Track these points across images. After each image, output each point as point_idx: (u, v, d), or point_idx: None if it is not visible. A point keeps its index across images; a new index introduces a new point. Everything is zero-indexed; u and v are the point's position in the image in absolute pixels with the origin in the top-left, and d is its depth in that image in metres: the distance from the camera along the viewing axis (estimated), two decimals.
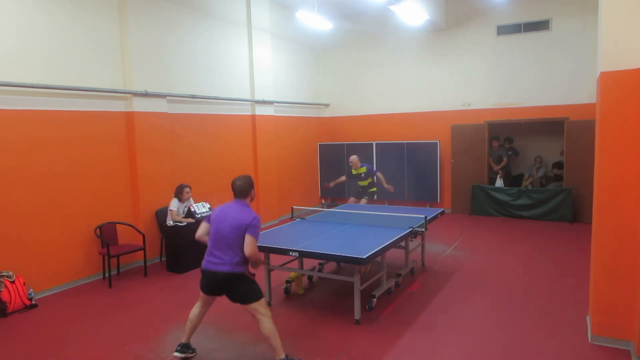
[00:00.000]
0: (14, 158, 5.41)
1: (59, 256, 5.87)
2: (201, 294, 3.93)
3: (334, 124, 11.77)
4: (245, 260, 3.73)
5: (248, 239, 3.65)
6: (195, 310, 4.00)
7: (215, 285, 3.80)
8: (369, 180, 8.33)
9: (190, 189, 6.86)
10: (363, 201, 8.39)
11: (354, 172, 8.41)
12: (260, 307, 3.75)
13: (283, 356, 3.71)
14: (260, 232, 5.57)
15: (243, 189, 3.89)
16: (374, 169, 8.70)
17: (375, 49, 10.99)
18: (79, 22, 6.07)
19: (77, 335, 4.58)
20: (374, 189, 8.37)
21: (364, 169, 8.32)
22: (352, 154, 10.66)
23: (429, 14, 8.79)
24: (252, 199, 3.99)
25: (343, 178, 8.58)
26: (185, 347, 4.02)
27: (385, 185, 8.23)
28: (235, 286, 3.75)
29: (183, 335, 4.03)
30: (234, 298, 3.81)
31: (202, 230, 3.93)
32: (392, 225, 5.56)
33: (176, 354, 3.98)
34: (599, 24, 4.10)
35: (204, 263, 3.82)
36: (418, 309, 4.91)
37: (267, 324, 3.73)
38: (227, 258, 3.69)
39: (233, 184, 3.92)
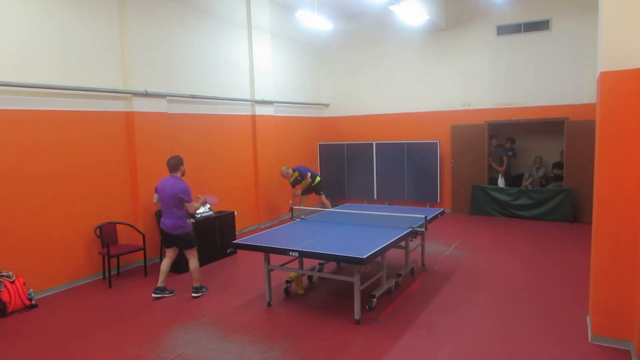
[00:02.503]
0: (14, 158, 5.41)
1: (59, 256, 5.87)
2: (165, 248, 5.60)
3: (334, 124, 11.77)
4: (184, 222, 5.37)
5: (187, 205, 5.30)
6: (164, 261, 5.54)
7: (168, 239, 5.48)
8: (304, 180, 8.93)
9: None
10: (323, 198, 9.18)
11: (291, 180, 9.04)
12: (192, 251, 5.50)
13: (198, 284, 5.49)
14: (260, 232, 5.65)
15: (173, 165, 5.38)
16: (307, 170, 9.14)
17: (375, 49, 10.99)
18: (79, 22, 6.07)
19: (77, 335, 4.58)
20: (318, 178, 9.14)
21: (296, 174, 8.96)
22: (351, 155, 10.72)
23: (429, 14, 8.78)
24: (183, 173, 5.47)
25: (297, 193, 9.09)
26: (160, 290, 5.45)
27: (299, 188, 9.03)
28: (179, 240, 5.42)
29: (158, 280, 5.49)
30: (180, 246, 5.48)
31: (155, 199, 5.52)
32: (392, 225, 5.56)
33: (154, 295, 5.41)
34: (599, 24, 4.10)
35: (160, 223, 5.48)
36: (418, 309, 4.91)
37: (193, 263, 5.48)
38: (171, 222, 5.33)
39: (167, 162, 5.42)
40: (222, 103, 8.45)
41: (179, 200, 5.27)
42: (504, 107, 9.62)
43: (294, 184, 9.07)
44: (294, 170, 9.00)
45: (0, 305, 5.04)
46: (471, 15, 9.81)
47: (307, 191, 9.10)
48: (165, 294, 5.50)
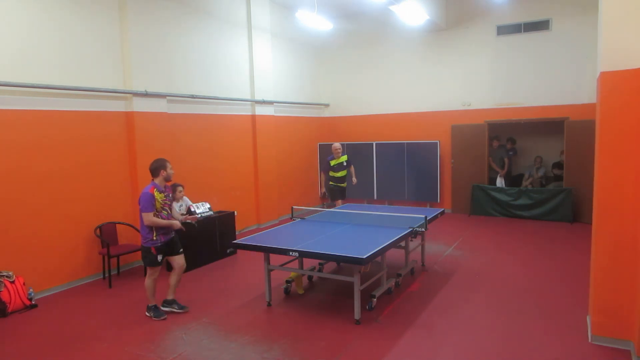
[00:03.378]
0: (14, 158, 5.41)
1: (59, 256, 5.87)
2: None
3: (334, 124, 11.77)
4: (147, 234, 4.78)
5: (142, 214, 4.69)
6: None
7: None
8: (346, 171, 8.25)
9: (183, 187, 6.84)
10: (339, 203, 8.35)
11: (334, 162, 8.18)
12: (149, 269, 4.95)
13: (151, 303, 4.97)
14: (260, 232, 5.64)
15: (153, 170, 4.84)
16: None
17: (375, 49, 10.99)
18: (79, 22, 6.07)
19: (77, 335, 4.58)
20: (345, 183, 8.36)
21: (345, 157, 8.26)
22: (351, 155, 10.58)
23: (429, 14, 8.78)
24: (166, 179, 4.88)
25: (324, 177, 8.40)
26: (168, 303, 5.10)
27: (354, 179, 8.31)
28: (141, 251, 4.97)
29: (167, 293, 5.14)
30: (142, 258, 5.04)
31: None
32: (392, 225, 5.56)
33: (163, 308, 5.05)
34: (599, 24, 4.10)
35: None
36: (418, 309, 4.91)
37: (147, 280, 4.96)
38: (140, 231, 4.87)
39: (149, 167, 4.87)
40: (222, 103, 8.44)
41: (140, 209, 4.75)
42: (504, 107, 9.62)
43: (337, 168, 8.17)
44: (342, 154, 8.29)
45: (0, 305, 5.04)
46: (471, 15, 9.82)
47: (337, 195, 8.36)
48: (174, 307, 5.07)
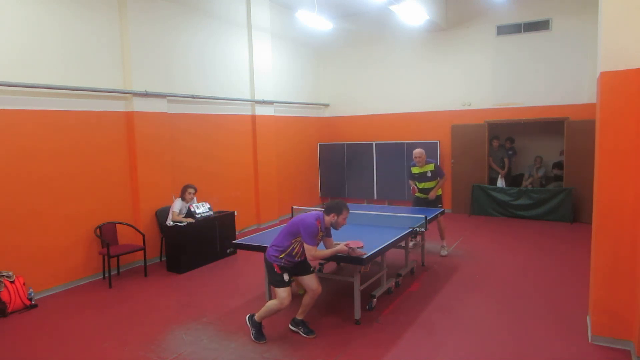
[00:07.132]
0: (14, 157, 5.41)
1: (59, 256, 5.87)
2: None
3: (334, 124, 11.77)
4: (275, 252, 4.24)
5: (305, 247, 4.18)
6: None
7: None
8: (435, 181, 6.86)
9: (195, 190, 6.84)
10: (441, 221, 6.77)
11: (415, 170, 6.92)
12: (277, 291, 4.24)
13: (259, 320, 4.34)
14: (260, 232, 5.62)
15: (327, 205, 4.35)
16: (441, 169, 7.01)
17: (376, 49, 10.99)
18: (79, 22, 6.07)
19: (77, 335, 4.58)
20: (439, 192, 6.94)
21: (431, 166, 6.82)
22: (351, 155, 10.52)
23: (429, 14, 8.78)
24: (333, 224, 4.26)
25: (412, 184, 7.08)
26: (295, 324, 4.47)
27: (432, 192, 6.82)
28: (266, 270, 4.51)
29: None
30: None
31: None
32: (392, 225, 5.55)
33: (291, 327, 4.51)
34: (599, 24, 4.10)
35: None
36: (418, 309, 4.91)
37: (272, 301, 4.27)
38: (270, 246, 4.34)
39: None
40: (222, 103, 8.44)
41: (291, 234, 4.21)
42: (504, 107, 9.62)
43: (418, 178, 6.88)
44: (429, 162, 6.83)
45: (0, 305, 5.04)
46: (471, 15, 9.81)
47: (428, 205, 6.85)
48: (300, 330, 4.42)
